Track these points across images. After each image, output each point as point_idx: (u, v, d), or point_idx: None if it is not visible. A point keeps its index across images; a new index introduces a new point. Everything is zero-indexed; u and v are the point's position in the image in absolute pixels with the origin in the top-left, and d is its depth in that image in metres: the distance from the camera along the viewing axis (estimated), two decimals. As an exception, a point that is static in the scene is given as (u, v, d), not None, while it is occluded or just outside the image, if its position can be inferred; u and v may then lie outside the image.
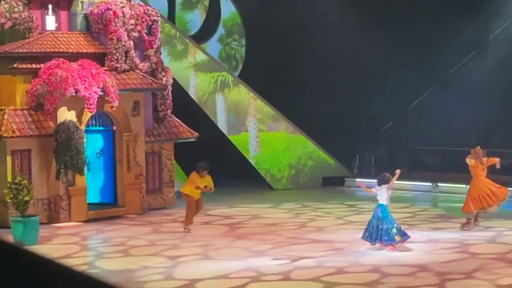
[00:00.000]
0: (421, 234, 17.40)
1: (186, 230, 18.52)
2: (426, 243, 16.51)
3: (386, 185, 16.12)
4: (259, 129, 26.35)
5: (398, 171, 16.44)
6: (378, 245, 15.91)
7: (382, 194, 16.11)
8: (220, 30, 29.05)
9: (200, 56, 26.20)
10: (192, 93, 25.90)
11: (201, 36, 28.37)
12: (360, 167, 26.93)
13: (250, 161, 26.14)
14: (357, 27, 25.74)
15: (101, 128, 21.29)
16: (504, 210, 20.41)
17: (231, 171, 25.83)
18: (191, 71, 25.95)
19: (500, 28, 28.90)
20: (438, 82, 28.39)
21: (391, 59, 25.74)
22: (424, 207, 21.41)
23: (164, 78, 22.51)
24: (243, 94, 26.35)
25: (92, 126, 21.05)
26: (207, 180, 18.79)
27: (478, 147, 18.92)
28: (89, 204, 20.40)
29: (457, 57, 28.50)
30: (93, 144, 21.02)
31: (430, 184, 24.07)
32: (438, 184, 23.84)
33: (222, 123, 26.20)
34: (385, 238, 15.82)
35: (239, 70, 28.90)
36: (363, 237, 16.18)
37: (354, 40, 25.89)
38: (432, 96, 28.10)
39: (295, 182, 26.26)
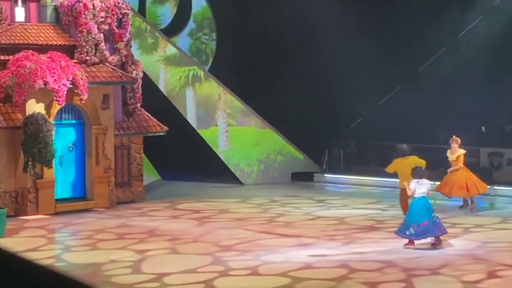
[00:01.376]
0: (388, 230, 17.48)
1: None
2: (394, 239, 16.58)
3: (426, 179, 15.85)
4: (229, 124, 26.34)
5: None
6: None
7: (423, 187, 15.68)
8: (191, 24, 28.99)
9: (170, 50, 26.14)
10: (162, 87, 25.84)
11: (172, 30, 28.31)
12: (329, 163, 27.01)
13: (219, 155, 26.13)
14: (328, 23, 25.79)
15: (74, 122, 21.17)
16: (471, 205, 20.60)
17: (200, 166, 25.81)
18: (161, 64, 25.89)
19: (469, 26, 29.09)
20: (407, 79, 28.52)
21: (361, 56, 25.80)
22: (392, 204, 21.49)
23: (134, 72, 22.43)
24: (213, 88, 26.33)
25: (65, 119, 20.94)
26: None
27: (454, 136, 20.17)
28: (60, 198, 20.32)
29: (426, 55, 28.65)
30: (65, 138, 20.91)
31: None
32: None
33: (191, 118, 26.16)
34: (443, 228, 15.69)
35: (209, 64, 28.87)
36: (439, 234, 15.59)
37: (325, 36, 25.93)
38: (401, 93, 28.23)
39: (264, 177, 26.28)
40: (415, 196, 15.64)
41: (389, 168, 18.55)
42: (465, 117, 25.05)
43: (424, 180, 15.73)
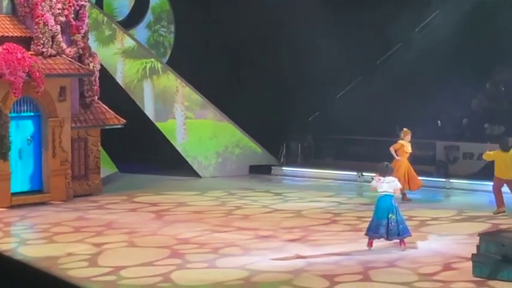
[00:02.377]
0: (345, 223, 17.59)
1: None
2: (351, 232, 16.69)
3: (392, 176, 15.19)
4: (187, 117, 26.27)
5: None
6: (394, 241, 14.99)
7: (385, 185, 14.98)
8: (149, 17, 28.87)
9: (128, 42, 26.00)
10: (119, 80, 25.70)
11: (129, 22, 28.16)
12: (287, 156, 27.09)
13: (177, 148, 26.06)
14: (286, 15, 25.83)
15: (32, 114, 20.97)
16: (427, 199, 20.80)
17: (158, 159, 25.74)
18: (119, 57, 25.74)
19: (425, 21, 29.30)
20: (364, 73, 28.66)
21: (318, 49, 25.87)
22: (349, 196, 21.63)
23: (91, 64, 22.28)
24: (171, 81, 26.24)
25: (24, 112, 20.74)
26: None
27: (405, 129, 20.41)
28: (19, 192, 20.15)
29: (383, 49, 28.82)
30: (25, 131, 20.73)
31: (355, 173, 24.32)
32: (363, 173, 24.10)
33: (149, 110, 26.05)
34: (407, 230, 14.98)
35: (167, 57, 28.76)
36: (375, 236, 14.94)
37: (283, 29, 25.97)
38: (358, 87, 28.37)
39: (222, 170, 26.26)
40: (380, 193, 15.02)
41: (488, 155, 18.74)
42: (421, 111, 25.24)
43: (388, 178, 15.04)
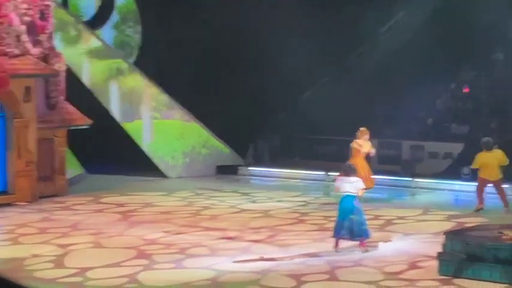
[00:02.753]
0: (313, 223, 17.64)
1: None
2: (318, 232, 16.74)
3: (356, 176, 15.09)
4: (154, 117, 26.20)
5: None
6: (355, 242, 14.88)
7: (347, 186, 14.88)
8: (115, 17, 28.74)
9: (94, 43, 25.89)
10: (85, 80, 25.58)
11: (95, 23, 28.01)
12: (254, 156, 27.10)
13: (143, 148, 25.98)
14: (254, 14, 25.83)
15: (-1, 115, 20.82)
16: (393, 199, 20.92)
17: (125, 159, 25.61)
18: (85, 57, 25.62)
19: (393, 20, 29.44)
20: (332, 73, 28.73)
21: (286, 49, 25.91)
22: (316, 196, 21.69)
23: (57, 64, 22.14)
24: (137, 82, 26.15)
25: (-12, 112, 20.59)
26: None
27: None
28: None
29: (350, 49, 28.91)
30: (-11, 132, 20.58)
31: (323, 173, 24.39)
32: (330, 173, 24.16)
33: (116, 111, 25.95)
34: (366, 232, 14.87)
35: (134, 57, 28.66)
36: (338, 236, 14.84)
37: (250, 28, 25.97)
38: (326, 86, 28.43)
39: (189, 170, 26.21)
40: (343, 193, 14.94)
41: (476, 164, 18.79)
42: (388, 110, 25.38)
43: (351, 178, 14.94)
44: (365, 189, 15.54)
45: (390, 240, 15.81)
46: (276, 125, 27.66)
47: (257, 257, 14.52)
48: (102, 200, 21.13)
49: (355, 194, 14.90)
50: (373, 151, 20.37)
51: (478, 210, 18.67)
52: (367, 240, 14.96)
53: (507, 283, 12.32)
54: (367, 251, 14.74)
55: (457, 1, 27.29)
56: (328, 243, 15.17)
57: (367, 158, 20.48)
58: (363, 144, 20.32)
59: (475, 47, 26.86)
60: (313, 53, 26.29)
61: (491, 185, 18.91)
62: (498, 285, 12.33)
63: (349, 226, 14.70)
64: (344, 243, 14.95)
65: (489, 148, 18.85)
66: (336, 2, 26.62)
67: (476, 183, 19.05)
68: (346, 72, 28.90)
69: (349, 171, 15.09)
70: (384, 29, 29.60)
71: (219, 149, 26.81)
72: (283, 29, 25.85)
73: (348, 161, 18.74)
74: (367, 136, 20.49)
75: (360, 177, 18.46)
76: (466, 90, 26.89)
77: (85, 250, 15.39)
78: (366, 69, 27.55)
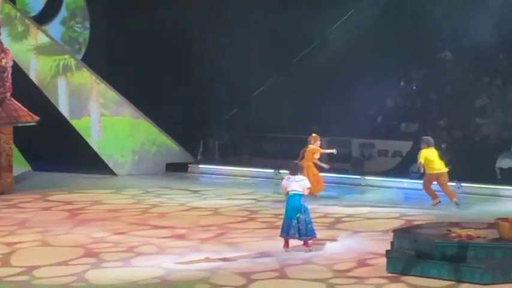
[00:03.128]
0: (262, 221, 17.62)
1: None
2: (267, 229, 16.73)
3: (302, 175, 15.01)
4: (102, 114, 25.98)
5: None
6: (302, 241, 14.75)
7: (294, 184, 14.76)
8: (63, 13, 28.46)
9: (42, 38, 25.59)
10: (33, 76, 25.30)
11: (43, 18, 27.72)
12: (204, 154, 27.04)
13: (92, 146, 25.75)
14: (204, 13, 25.77)
15: None
16: (343, 196, 21.00)
17: (73, 156, 25.38)
18: (32, 53, 25.33)
19: (340, 20, 29.59)
20: (281, 71, 28.79)
21: (236, 47, 25.90)
22: (266, 194, 21.67)
23: (4, 60, 21.87)
24: (85, 78, 25.90)
25: None
26: None
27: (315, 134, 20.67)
28: None
29: (300, 47, 29.00)
30: None
31: (272, 171, 24.39)
32: (280, 171, 24.19)
33: (63, 108, 25.68)
34: (313, 231, 14.76)
35: (82, 53, 28.41)
36: (287, 236, 14.71)
37: (201, 28, 25.91)
38: (275, 85, 28.49)
39: (138, 168, 26.06)
40: (290, 192, 14.78)
41: (421, 159, 19.01)
42: (338, 108, 25.47)
43: (298, 177, 14.82)
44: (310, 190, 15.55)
45: (339, 238, 15.84)
46: (225, 123, 27.63)
47: (207, 254, 14.46)
48: (50, 198, 20.90)
49: (302, 193, 14.77)
50: (334, 150, 20.85)
51: (436, 204, 18.97)
52: (314, 239, 14.93)
53: (455, 280, 12.41)
54: (310, 250, 14.69)
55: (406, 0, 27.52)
56: (278, 241, 15.15)
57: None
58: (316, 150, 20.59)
59: (424, 45, 27.09)
60: (263, 51, 26.33)
61: (436, 182, 19.17)
62: (446, 282, 12.42)
63: (297, 225, 14.64)
64: (293, 242, 14.93)
65: (430, 145, 19.13)
66: (286, 4, 26.66)
67: (423, 181, 19.29)
68: (295, 70, 29.00)
69: (296, 170, 14.95)
70: (333, 27, 29.74)
71: (168, 146, 26.69)
72: (234, 27, 25.82)
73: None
74: (318, 142, 20.75)
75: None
76: (414, 88, 27.11)
77: (32, 248, 15.20)
78: (316, 67, 27.65)
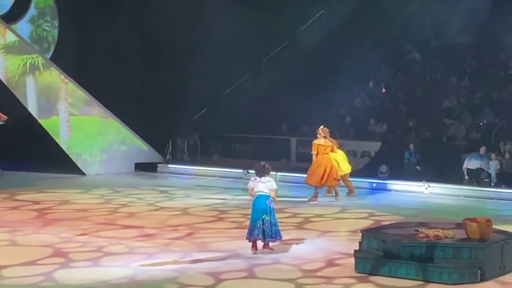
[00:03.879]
0: (231, 221, 17.63)
1: None
2: (236, 229, 16.74)
3: (269, 176, 14.70)
4: (71, 113, 25.87)
5: None
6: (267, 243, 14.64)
7: (261, 185, 14.62)
8: (32, 11, 28.31)
9: (10, 37, 25.43)
10: (1, 75, 25.13)
11: (12, 17, 27.54)
12: (173, 153, 27.01)
13: (61, 145, 25.64)
14: (174, 12, 25.73)
15: None
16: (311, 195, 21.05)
17: (41, 156, 25.26)
18: (0, 52, 25.15)
19: (311, 20, 29.69)
20: (251, 71, 28.83)
21: (205, 46, 25.90)
22: (235, 194, 21.68)
23: (-29, 59, 21.73)
24: (54, 77, 25.78)
25: None
26: None
27: (323, 126, 20.49)
28: None
29: (270, 47, 29.06)
30: None
31: (241, 171, 24.41)
32: (249, 171, 24.19)
33: (32, 107, 25.54)
34: (278, 233, 14.66)
35: (51, 52, 28.26)
36: (252, 238, 14.59)
37: (170, 26, 25.86)
38: (245, 85, 28.52)
39: (107, 167, 25.98)
40: (256, 194, 14.65)
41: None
42: (307, 109, 25.55)
43: (264, 178, 14.62)
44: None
45: (306, 239, 15.88)
46: (194, 123, 27.61)
47: (175, 254, 14.45)
48: (18, 197, 20.78)
49: (268, 194, 14.65)
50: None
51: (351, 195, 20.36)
52: (281, 240, 14.90)
53: (422, 280, 12.50)
54: (271, 252, 14.67)
55: (377, 1, 27.66)
56: (247, 241, 15.15)
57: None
58: (324, 143, 20.35)
59: (393, 46, 27.24)
60: (233, 51, 26.35)
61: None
62: (414, 282, 12.51)
63: (261, 226, 14.60)
64: (261, 244, 14.95)
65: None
66: (256, 3, 26.69)
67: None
68: (265, 70, 29.05)
69: (263, 171, 14.77)
70: (303, 27, 29.83)
71: (137, 146, 26.63)
72: (203, 27, 25.82)
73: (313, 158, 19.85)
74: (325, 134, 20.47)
75: (323, 174, 18.87)
76: (383, 91, 27.24)
77: (0, 248, 15.09)
78: (286, 67, 27.72)
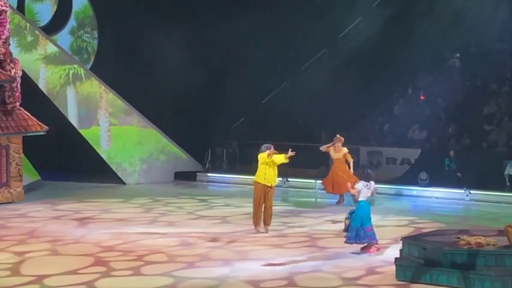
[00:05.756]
0: (271, 229, 17.61)
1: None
2: (276, 238, 16.74)
3: (372, 182, 15.28)
4: (111, 123, 26.05)
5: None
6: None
7: (368, 191, 15.21)
8: (72, 22, 28.56)
9: (51, 48, 25.68)
10: (42, 86, 25.37)
11: (52, 28, 27.82)
12: (212, 162, 27.06)
13: (101, 155, 25.82)
14: (210, 23, 25.83)
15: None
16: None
17: (82, 166, 25.46)
18: (41, 63, 25.41)
19: (348, 27, 29.63)
20: (289, 79, 28.82)
21: (244, 55, 25.95)
22: (275, 202, 21.65)
23: (13, 70, 21.95)
24: (94, 87, 25.99)
25: None
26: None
27: (338, 135, 20.79)
28: None
29: (307, 55, 29.03)
30: None
31: (280, 179, 24.38)
32: (288, 179, 24.21)
33: (72, 117, 25.76)
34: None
35: (91, 63, 28.50)
36: (352, 242, 15.08)
37: (208, 36, 25.97)
38: (283, 93, 28.52)
39: (147, 177, 26.12)
40: (361, 199, 15.09)
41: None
42: (346, 116, 25.49)
43: (372, 184, 15.18)
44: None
45: (347, 247, 15.84)
46: (233, 131, 27.65)
47: (216, 263, 14.48)
48: (59, 207, 20.95)
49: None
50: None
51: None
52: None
53: (464, 288, 12.42)
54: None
55: (414, 7, 27.54)
56: (287, 249, 15.17)
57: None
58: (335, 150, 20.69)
59: (432, 52, 27.09)
60: (271, 59, 26.38)
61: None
62: (455, 290, 12.43)
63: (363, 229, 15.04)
64: (303, 248, 14.98)
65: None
66: (291, 9, 26.70)
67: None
68: (303, 78, 29.03)
69: (369, 177, 15.27)
70: (340, 35, 29.78)
71: (177, 155, 26.74)
72: (241, 35, 25.84)
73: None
74: (339, 143, 20.72)
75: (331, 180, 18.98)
76: (422, 98, 27.10)
77: (42, 257, 15.23)
78: (324, 75, 27.67)
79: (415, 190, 22.10)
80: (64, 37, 28.19)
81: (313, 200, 21.83)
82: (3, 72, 21.47)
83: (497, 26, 25.53)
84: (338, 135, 20.88)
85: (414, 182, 22.54)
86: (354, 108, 25.55)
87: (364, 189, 15.12)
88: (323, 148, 21.11)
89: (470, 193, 21.05)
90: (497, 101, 25.46)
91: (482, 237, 13.13)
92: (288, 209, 20.59)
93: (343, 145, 20.86)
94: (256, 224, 17.35)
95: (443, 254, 12.72)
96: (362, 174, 15.47)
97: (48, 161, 25.20)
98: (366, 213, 15.10)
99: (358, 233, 14.96)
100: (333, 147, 20.88)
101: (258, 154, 17.80)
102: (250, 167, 26.43)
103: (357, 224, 15.00)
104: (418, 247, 13.23)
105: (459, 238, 13.31)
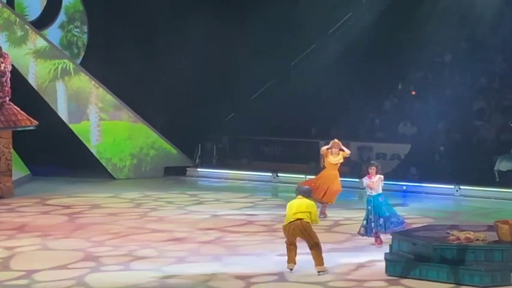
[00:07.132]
0: (261, 224, 17.61)
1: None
2: (266, 233, 16.76)
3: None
4: (101, 118, 26.00)
5: None
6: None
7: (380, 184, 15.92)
8: (62, 17, 28.45)
9: (40, 43, 25.60)
10: (31, 81, 25.29)
11: (42, 23, 27.71)
12: (202, 157, 27.04)
13: (91, 150, 25.77)
14: (203, 20, 25.79)
15: None
16: (341, 200, 20.99)
17: (72, 161, 25.39)
18: (31, 57, 25.32)
19: (338, 23, 29.62)
20: (279, 74, 28.81)
21: (234, 51, 25.93)
22: (264, 197, 21.71)
23: (2, 65, 21.88)
24: (84, 82, 25.93)
25: None
26: None
27: (336, 140, 19.26)
28: None
29: (297, 51, 29.01)
30: None
31: (270, 174, 24.43)
32: (278, 174, 24.23)
33: (62, 112, 25.68)
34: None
35: (81, 58, 28.40)
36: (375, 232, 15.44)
37: (200, 32, 25.92)
38: (273, 88, 28.50)
39: (137, 172, 26.08)
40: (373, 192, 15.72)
41: None
42: (335, 112, 25.49)
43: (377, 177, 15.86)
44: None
45: (335, 242, 15.87)
46: (223, 126, 27.62)
47: (206, 258, 14.48)
48: (49, 202, 20.92)
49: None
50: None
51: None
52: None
53: (453, 283, 12.44)
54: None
55: (404, 3, 27.55)
56: (277, 244, 15.17)
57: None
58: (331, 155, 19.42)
59: (422, 47, 27.09)
60: (261, 54, 26.35)
61: None
62: (445, 285, 12.46)
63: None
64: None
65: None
66: (281, 3, 26.66)
67: None
68: (293, 73, 29.02)
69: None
70: (330, 30, 29.77)
71: (167, 150, 26.71)
72: (233, 34, 25.81)
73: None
74: (336, 149, 19.49)
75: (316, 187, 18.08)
76: (413, 93, 27.11)
77: (31, 252, 15.23)
78: (314, 70, 27.66)
79: (405, 185, 22.12)
80: (54, 32, 28.08)
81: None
82: (-7, 66, 21.39)
83: (487, 22, 25.56)
84: (336, 140, 19.35)
85: (404, 177, 22.56)
86: (344, 104, 25.53)
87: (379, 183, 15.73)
88: (323, 151, 19.62)
89: (460, 188, 21.09)
90: (487, 97, 25.50)
91: (472, 233, 13.16)
92: (278, 204, 20.55)
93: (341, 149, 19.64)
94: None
95: (433, 249, 12.76)
96: (377, 168, 15.93)
97: (38, 156, 25.12)
98: (383, 202, 15.61)
99: (391, 220, 15.37)
100: (330, 151, 19.57)
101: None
102: (240, 162, 26.51)
103: (384, 215, 15.40)
104: (408, 242, 13.26)
105: (449, 233, 13.35)
